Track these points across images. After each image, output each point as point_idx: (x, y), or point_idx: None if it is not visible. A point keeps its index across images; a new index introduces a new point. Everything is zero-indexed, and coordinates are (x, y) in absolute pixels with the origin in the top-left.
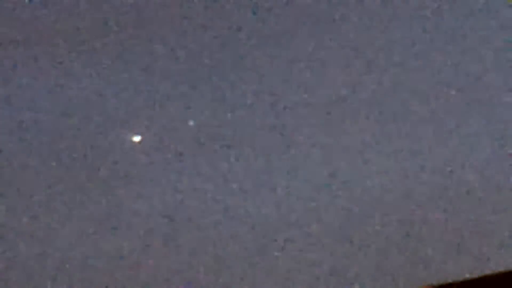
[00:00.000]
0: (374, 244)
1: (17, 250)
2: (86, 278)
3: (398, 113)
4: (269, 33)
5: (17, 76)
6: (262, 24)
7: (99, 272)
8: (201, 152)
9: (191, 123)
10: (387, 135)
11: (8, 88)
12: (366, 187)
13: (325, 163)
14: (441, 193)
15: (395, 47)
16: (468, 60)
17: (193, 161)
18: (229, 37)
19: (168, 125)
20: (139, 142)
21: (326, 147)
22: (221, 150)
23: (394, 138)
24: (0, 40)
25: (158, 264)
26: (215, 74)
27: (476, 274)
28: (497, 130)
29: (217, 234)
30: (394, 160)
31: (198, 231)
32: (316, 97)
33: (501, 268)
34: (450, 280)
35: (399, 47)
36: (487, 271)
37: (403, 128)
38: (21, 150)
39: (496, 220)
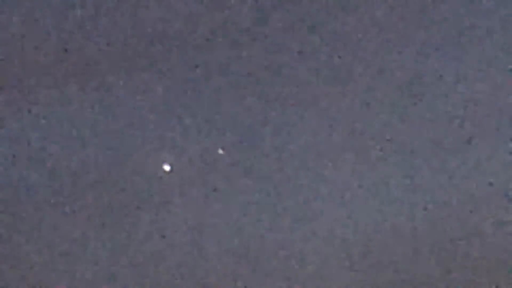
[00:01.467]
0: None
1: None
2: None
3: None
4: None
5: (50, 108)
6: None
7: None
8: (230, 182)
9: (220, 151)
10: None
11: (32, 122)
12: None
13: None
14: None
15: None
16: None
17: (223, 191)
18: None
19: (198, 153)
20: (170, 172)
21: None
22: (249, 181)
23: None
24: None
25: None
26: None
27: None
28: None
29: (240, 266)
30: None
31: (225, 256)
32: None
33: None
34: None
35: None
36: None
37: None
38: (49, 182)
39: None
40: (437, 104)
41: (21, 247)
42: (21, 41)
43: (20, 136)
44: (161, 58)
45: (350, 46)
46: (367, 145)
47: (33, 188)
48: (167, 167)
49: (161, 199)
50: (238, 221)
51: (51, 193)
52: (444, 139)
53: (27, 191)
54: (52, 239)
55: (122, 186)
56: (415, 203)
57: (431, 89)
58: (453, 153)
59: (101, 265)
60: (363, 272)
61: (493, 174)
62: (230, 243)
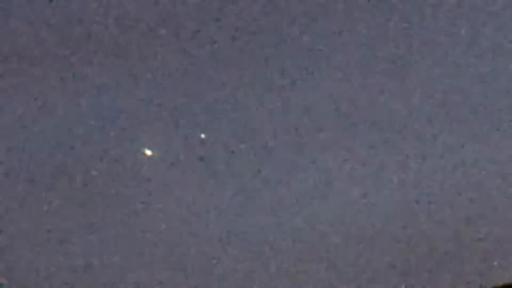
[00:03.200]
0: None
1: (25, 255)
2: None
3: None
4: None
5: (33, 90)
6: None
7: (108, 278)
8: (213, 164)
9: (202, 136)
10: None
11: (25, 104)
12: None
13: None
14: None
15: None
16: None
17: (204, 173)
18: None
19: (180, 138)
20: (151, 156)
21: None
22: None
23: None
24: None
25: (163, 274)
26: (228, 90)
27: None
28: None
29: (223, 248)
30: None
31: (204, 245)
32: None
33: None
34: None
35: None
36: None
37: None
38: (31, 163)
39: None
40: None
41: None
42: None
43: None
44: (142, 46)
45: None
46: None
47: (18, 173)
48: (148, 152)
49: (143, 182)
50: (223, 203)
51: (34, 177)
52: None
53: (12, 176)
54: (37, 225)
55: (104, 170)
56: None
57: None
58: None
59: (87, 248)
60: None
61: None
62: (215, 225)
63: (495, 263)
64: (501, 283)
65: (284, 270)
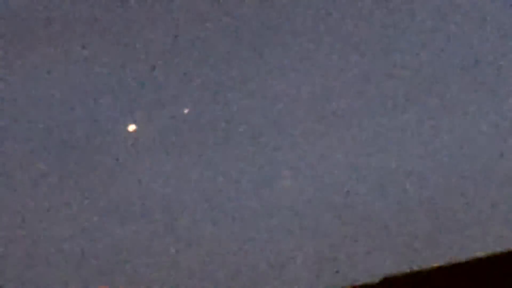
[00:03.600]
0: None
1: (14, 235)
2: (86, 265)
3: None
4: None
5: (19, 70)
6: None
7: (99, 256)
8: (192, 141)
9: (185, 111)
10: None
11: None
12: None
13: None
14: None
15: None
16: None
17: (186, 149)
18: (225, 29)
19: (163, 113)
20: (135, 131)
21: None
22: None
23: None
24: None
25: (153, 250)
26: (210, 64)
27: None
28: None
29: (207, 222)
30: None
31: (193, 220)
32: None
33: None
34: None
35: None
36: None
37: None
38: (19, 140)
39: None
40: None
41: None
42: None
43: None
44: (124, 23)
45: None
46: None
47: (6, 150)
48: (132, 127)
49: (128, 158)
50: (209, 180)
51: (24, 154)
52: None
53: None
54: (28, 198)
55: (88, 145)
56: None
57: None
58: None
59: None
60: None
61: None
62: (200, 201)
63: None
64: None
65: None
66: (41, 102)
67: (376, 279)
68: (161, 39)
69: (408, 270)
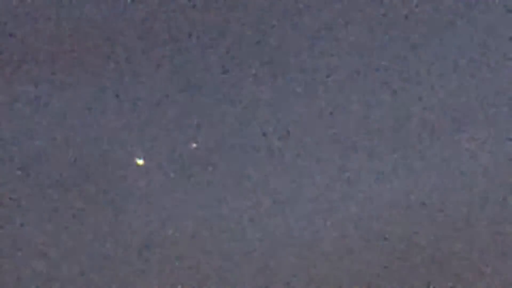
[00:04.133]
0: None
1: (19, 260)
2: None
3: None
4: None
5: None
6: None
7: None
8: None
9: (193, 145)
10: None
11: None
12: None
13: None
14: None
15: None
16: None
17: (195, 183)
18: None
19: (171, 147)
20: (143, 165)
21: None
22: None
23: None
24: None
25: (155, 282)
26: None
27: None
28: None
29: (219, 253)
30: None
31: (202, 253)
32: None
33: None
34: None
35: None
36: None
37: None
38: (22, 176)
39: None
40: None
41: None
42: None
43: None
44: (126, 49)
45: None
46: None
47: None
48: (140, 161)
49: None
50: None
51: (16, 187)
52: None
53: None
54: (23, 235)
55: (94, 180)
56: None
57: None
58: None
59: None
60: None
61: None
62: (205, 237)
63: None
64: None
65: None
66: (36, 132)
67: None
68: (167, 75)
69: None
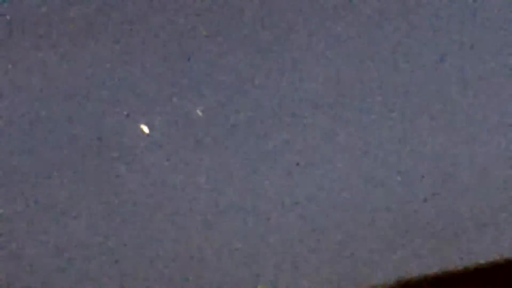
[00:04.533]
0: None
1: (19, 236)
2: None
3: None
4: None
5: (27, 62)
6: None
7: (104, 258)
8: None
9: (199, 113)
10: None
11: (14, 77)
12: None
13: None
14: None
15: None
16: None
17: (200, 152)
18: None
19: (177, 114)
20: (148, 133)
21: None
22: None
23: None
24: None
25: (160, 255)
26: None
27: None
28: None
29: (215, 227)
30: None
31: (202, 224)
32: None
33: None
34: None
35: None
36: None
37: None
38: (27, 134)
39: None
40: None
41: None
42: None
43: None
44: (138, 20)
45: None
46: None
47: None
48: (145, 129)
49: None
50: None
51: (29, 157)
52: None
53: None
54: (35, 199)
55: (99, 148)
56: None
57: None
58: None
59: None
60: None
61: None
62: (210, 209)
63: None
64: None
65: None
66: (48, 97)
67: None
68: (176, 39)
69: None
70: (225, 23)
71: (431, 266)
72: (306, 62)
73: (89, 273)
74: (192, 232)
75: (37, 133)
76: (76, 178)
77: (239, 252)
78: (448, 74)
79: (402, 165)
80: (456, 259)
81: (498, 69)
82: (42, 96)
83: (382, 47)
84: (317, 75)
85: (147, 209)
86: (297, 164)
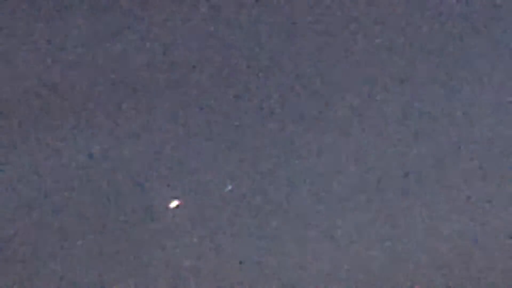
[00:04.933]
0: None
1: None
2: None
3: None
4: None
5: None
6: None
7: None
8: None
9: (228, 187)
10: None
11: (40, 156)
12: None
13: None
14: None
15: None
16: None
17: (230, 226)
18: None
19: (206, 190)
20: (177, 207)
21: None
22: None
23: None
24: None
25: None
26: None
27: None
28: None
29: None
30: None
31: None
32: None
33: None
34: None
35: None
36: None
37: None
38: (61, 215)
39: None
40: None
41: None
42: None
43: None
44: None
45: None
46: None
47: (34, 222)
48: (174, 203)
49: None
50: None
51: (56, 224)
52: None
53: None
54: (57, 270)
55: (127, 220)
56: None
57: None
58: None
59: None
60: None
61: None
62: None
63: None
64: None
65: None
66: (72, 171)
67: None
68: (203, 116)
69: None
70: None
71: None
72: None
73: None
74: None
75: (65, 206)
76: (102, 250)
77: None
78: None
79: None
80: None
81: None
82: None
83: None
84: None
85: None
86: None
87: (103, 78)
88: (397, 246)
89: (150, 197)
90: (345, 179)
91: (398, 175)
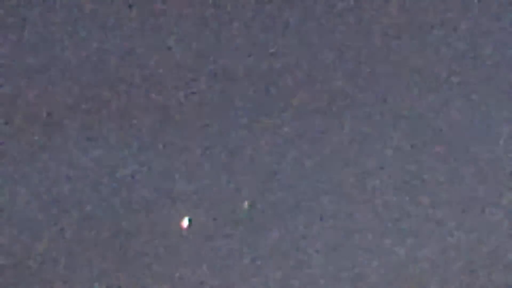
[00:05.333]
0: None
1: None
2: None
3: None
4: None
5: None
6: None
7: None
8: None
9: (245, 206)
10: None
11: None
12: None
13: None
14: None
15: None
16: None
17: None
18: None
19: (219, 207)
20: (188, 226)
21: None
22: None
23: None
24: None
25: None
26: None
27: None
28: None
29: None
30: None
31: None
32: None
33: None
34: None
35: None
36: None
37: None
38: (66, 228)
39: None
40: None
41: None
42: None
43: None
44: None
45: None
46: None
47: (42, 237)
48: (185, 222)
49: (179, 255)
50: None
51: (64, 244)
52: None
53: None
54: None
55: (138, 240)
56: None
57: None
58: None
59: None
60: None
61: None
62: None
63: None
64: None
65: None
66: (84, 186)
67: None
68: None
69: None
70: None
71: None
72: None
73: None
74: None
75: (80, 225)
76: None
77: None
78: None
79: None
80: None
81: None
82: (82, 184)
83: None
84: None
85: None
86: None
87: (115, 92)
88: None
89: (162, 214)
90: None
91: None
